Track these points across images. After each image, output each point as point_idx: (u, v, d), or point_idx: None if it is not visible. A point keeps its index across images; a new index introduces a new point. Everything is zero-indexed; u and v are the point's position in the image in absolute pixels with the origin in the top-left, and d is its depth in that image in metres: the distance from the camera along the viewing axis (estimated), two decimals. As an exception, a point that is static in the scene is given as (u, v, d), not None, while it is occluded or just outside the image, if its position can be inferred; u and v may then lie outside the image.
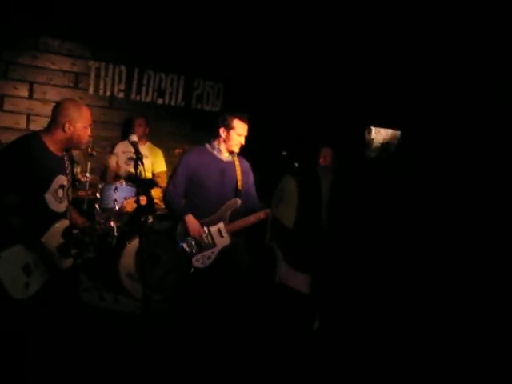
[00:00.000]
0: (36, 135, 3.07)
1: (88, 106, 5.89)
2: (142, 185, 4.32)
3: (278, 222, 4.16)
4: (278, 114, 5.71)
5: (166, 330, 3.86)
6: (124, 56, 6.05)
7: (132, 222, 5.07)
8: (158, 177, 5.79)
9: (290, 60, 6.37)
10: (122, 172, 5.57)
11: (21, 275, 2.94)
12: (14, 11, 5.26)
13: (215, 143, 4.10)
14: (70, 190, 3.25)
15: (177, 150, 6.21)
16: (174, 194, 4.06)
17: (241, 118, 3.99)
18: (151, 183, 5.50)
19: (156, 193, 5.59)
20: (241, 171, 4.15)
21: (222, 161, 4.11)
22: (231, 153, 4.11)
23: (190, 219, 4.00)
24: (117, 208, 4.24)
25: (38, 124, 5.44)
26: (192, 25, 6.04)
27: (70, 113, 3.03)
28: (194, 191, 4.09)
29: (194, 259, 4.01)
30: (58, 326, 3.15)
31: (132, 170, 5.45)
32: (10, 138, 3.23)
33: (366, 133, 6.08)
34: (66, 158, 3.19)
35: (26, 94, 5.59)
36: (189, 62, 6.33)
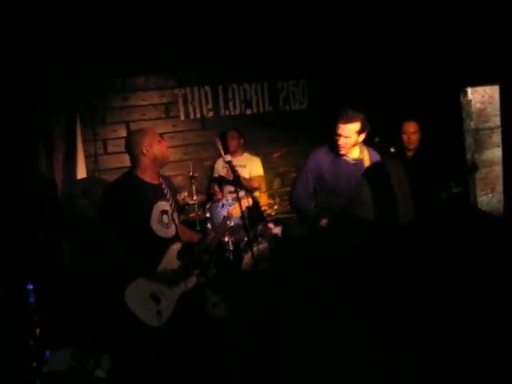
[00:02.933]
0: (129, 171, 3.33)
1: (181, 131, 6.24)
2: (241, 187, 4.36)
3: None
4: (366, 98, 5.57)
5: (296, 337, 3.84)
6: (206, 76, 6.24)
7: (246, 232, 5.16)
8: (253, 180, 5.80)
9: (367, 36, 6.18)
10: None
11: (151, 304, 3.11)
12: (98, 62, 5.61)
13: None
14: (175, 214, 3.41)
15: (275, 155, 6.27)
16: (302, 195, 4.05)
17: (339, 119, 3.81)
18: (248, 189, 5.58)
19: (263, 199, 5.67)
20: None
21: (349, 162, 3.95)
22: (342, 155, 3.93)
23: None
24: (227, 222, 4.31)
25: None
26: (265, 30, 6.05)
27: (138, 139, 3.27)
28: (321, 193, 4.03)
29: None
30: (192, 344, 3.28)
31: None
32: (119, 177, 3.45)
33: (461, 96, 5.70)
34: (164, 186, 3.37)
35: (124, 133, 5.90)
36: (269, 67, 6.39)
